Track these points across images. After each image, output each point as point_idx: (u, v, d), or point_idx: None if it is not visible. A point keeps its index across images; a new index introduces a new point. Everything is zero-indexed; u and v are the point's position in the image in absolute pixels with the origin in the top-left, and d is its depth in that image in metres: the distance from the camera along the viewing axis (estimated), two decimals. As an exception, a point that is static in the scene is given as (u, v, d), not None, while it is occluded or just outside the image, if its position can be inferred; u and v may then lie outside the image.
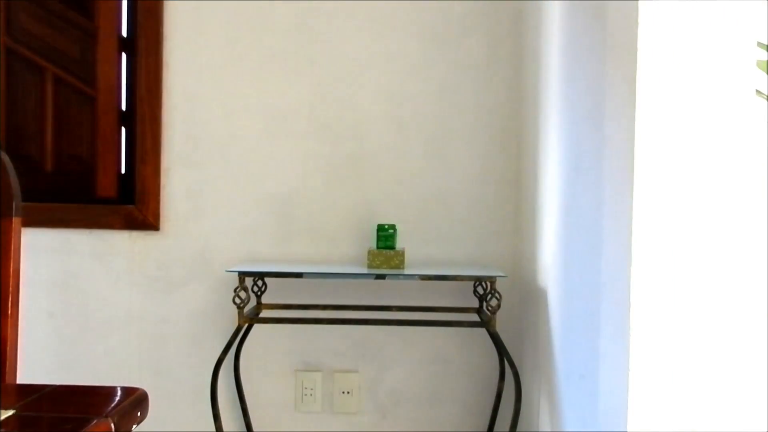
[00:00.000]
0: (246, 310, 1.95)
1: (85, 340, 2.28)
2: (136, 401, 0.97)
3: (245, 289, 1.93)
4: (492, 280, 1.92)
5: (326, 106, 2.25)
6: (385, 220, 2.22)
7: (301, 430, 2.27)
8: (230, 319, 2.18)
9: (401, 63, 2.24)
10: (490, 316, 1.90)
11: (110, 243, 2.28)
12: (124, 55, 2.32)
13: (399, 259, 2.03)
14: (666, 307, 1.14)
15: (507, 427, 1.98)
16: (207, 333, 2.26)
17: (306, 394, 2.27)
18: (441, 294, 2.24)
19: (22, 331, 1.20)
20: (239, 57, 2.26)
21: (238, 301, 1.91)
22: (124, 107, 2.33)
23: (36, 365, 2.25)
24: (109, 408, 0.92)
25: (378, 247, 2.07)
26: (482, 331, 2.14)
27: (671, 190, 1.13)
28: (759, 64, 1.06)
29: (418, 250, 2.23)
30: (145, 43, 2.25)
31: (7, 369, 1.12)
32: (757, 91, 1.08)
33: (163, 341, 2.28)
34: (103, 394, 1.00)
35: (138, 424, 0.96)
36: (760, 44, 1.05)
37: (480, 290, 2.15)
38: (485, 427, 2.22)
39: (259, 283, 2.15)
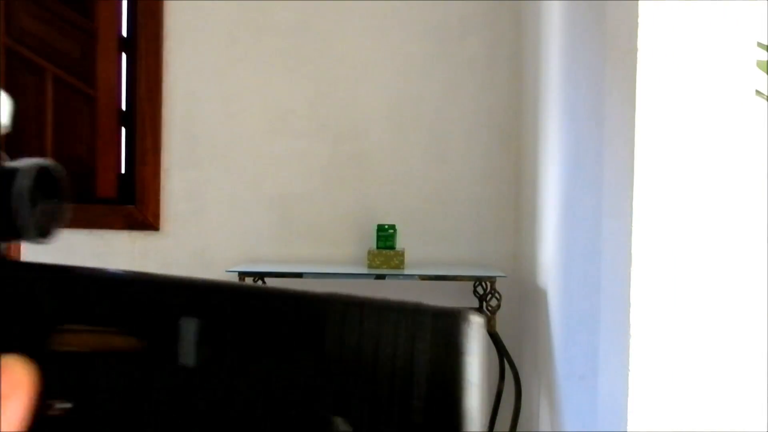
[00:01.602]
0: (246, 310, 1.94)
1: (85, 340, 2.28)
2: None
3: (245, 289, 1.92)
4: (492, 280, 1.92)
5: (326, 106, 2.25)
6: (385, 220, 2.22)
7: (301, 430, 2.27)
8: (230, 319, 2.18)
9: (401, 63, 2.24)
10: (489, 317, 1.90)
11: (110, 243, 2.28)
12: (124, 55, 2.32)
13: (399, 260, 2.03)
14: (666, 307, 1.14)
15: (507, 427, 1.98)
16: (207, 333, 2.26)
17: (306, 394, 2.26)
18: (441, 294, 2.23)
19: (22, 331, 1.19)
20: (239, 57, 2.26)
21: (238, 301, 1.91)
22: (124, 107, 2.32)
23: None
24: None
25: (378, 247, 2.07)
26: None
27: (671, 190, 1.13)
28: (759, 64, 1.06)
29: (418, 250, 2.23)
30: (145, 43, 2.25)
31: (7, 369, 1.12)
32: (757, 91, 1.08)
33: (163, 341, 2.27)
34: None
35: (138, 424, 0.96)
36: (760, 44, 1.05)
37: (480, 290, 2.15)
38: (485, 427, 2.22)
39: (260, 283, 2.15)
